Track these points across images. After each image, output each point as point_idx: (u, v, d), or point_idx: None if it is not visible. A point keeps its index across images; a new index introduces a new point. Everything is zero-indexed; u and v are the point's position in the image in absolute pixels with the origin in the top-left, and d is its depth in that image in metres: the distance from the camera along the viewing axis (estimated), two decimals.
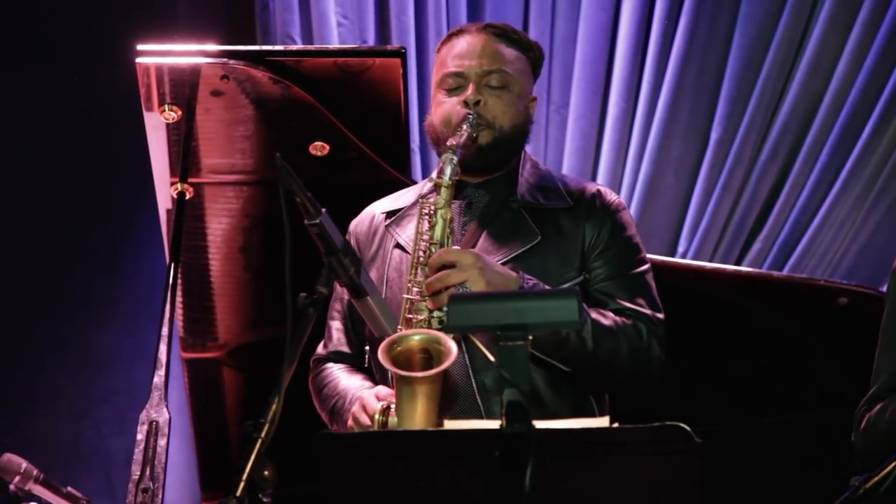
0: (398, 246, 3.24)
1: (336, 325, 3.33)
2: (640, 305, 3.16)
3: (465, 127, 3.15)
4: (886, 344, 3.00)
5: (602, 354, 3.06)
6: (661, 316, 3.19)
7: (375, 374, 3.22)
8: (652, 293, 3.21)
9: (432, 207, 3.12)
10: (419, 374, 2.87)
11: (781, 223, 5.29)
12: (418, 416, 2.87)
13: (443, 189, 3.10)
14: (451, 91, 3.24)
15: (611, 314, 3.12)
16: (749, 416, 4.12)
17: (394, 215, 3.31)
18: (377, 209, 3.37)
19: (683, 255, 5.28)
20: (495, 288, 2.99)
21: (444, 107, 3.23)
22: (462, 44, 3.28)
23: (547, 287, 3.09)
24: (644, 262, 3.25)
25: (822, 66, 5.24)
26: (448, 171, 3.09)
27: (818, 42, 5.22)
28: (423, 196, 3.19)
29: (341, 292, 3.32)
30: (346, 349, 3.31)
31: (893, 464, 2.38)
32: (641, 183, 5.32)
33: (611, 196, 3.29)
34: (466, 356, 3.08)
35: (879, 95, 5.18)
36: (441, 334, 2.92)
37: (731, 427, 4.07)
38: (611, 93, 5.36)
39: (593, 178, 5.35)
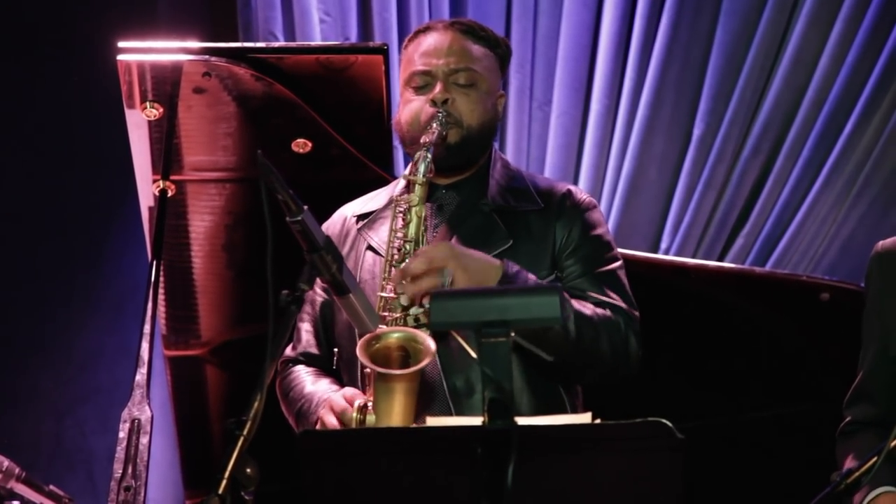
0: (370, 248, 3.24)
1: (305, 328, 3.33)
2: (615, 300, 3.16)
3: (435, 125, 3.15)
4: (866, 333, 3.02)
5: (584, 343, 3.05)
6: (636, 312, 3.19)
7: (343, 376, 3.22)
8: (626, 289, 3.21)
9: (406, 205, 3.12)
10: (398, 372, 2.88)
11: (764, 219, 5.30)
12: (395, 414, 2.88)
13: (417, 186, 3.11)
14: (419, 89, 3.24)
15: (590, 305, 3.12)
16: (732, 412, 4.12)
17: (366, 218, 3.31)
18: (348, 212, 3.36)
19: (666, 252, 5.29)
20: (474, 272, 3.00)
21: (413, 105, 3.23)
22: (429, 41, 3.27)
23: (531, 275, 3.09)
24: (616, 258, 3.25)
25: (803, 62, 5.25)
26: (422, 168, 3.10)
27: (800, 38, 5.23)
28: (395, 195, 3.19)
29: (312, 295, 3.32)
30: (314, 350, 3.31)
31: (873, 459, 2.39)
32: (624, 179, 5.33)
33: (581, 195, 3.29)
34: (438, 358, 3.07)
35: (861, 91, 5.20)
36: (419, 332, 2.93)
37: (715, 423, 4.08)
38: (593, 89, 5.36)
39: (576, 175, 5.36)
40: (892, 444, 2.37)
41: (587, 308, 3.09)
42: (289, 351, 3.34)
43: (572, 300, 3.09)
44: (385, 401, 2.88)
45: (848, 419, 3.02)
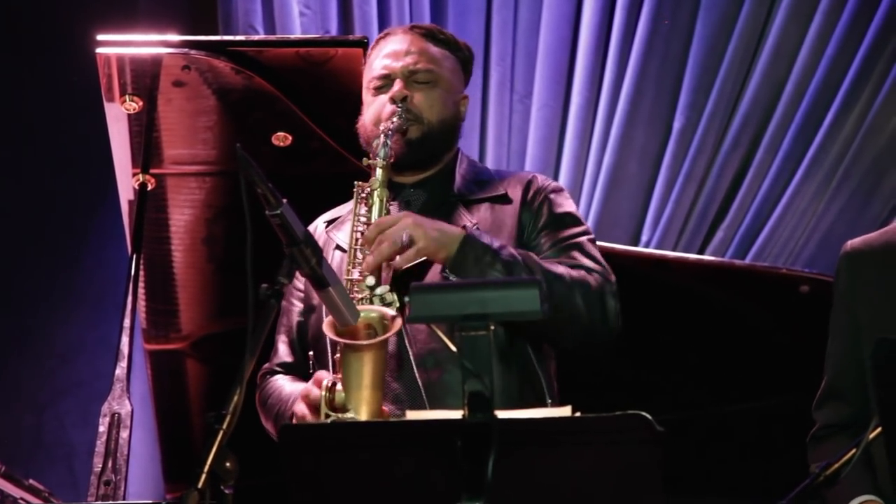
0: (338, 248, 3.26)
1: (281, 339, 3.35)
2: (588, 264, 3.16)
3: (395, 119, 3.18)
4: (835, 332, 3.03)
5: (556, 300, 3.03)
6: (611, 276, 3.18)
7: None
8: (598, 256, 3.20)
9: (367, 189, 3.14)
10: (364, 343, 2.90)
11: (744, 212, 5.31)
12: (364, 388, 2.90)
13: (378, 170, 3.14)
14: (379, 90, 3.27)
15: (561, 266, 3.12)
16: (711, 404, 4.14)
17: (334, 222, 3.34)
18: (319, 220, 3.40)
19: (647, 245, 5.30)
20: (435, 232, 3.03)
21: (374, 106, 3.27)
22: (389, 46, 3.32)
23: (494, 239, 3.10)
24: (587, 232, 3.25)
25: (783, 56, 5.26)
26: (382, 152, 3.14)
27: (779, 31, 5.25)
28: (357, 182, 3.21)
29: (287, 306, 3.34)
30: (289, 359, 3.32)
31: (852, 451, 2.40)
32: (605, 172, 5.34)
33: (545, 180, 3.32)
34: (406, 341, 3.10)
35: (840, 84, 5.21)
36: (385, 310, 2.96)
37: (694, 415, 4.09)
38: (574, 82, 5.37)
39: (557, 167, 5.37)
40: (871, 436, 2.38)
41: (559, 267, 3.10)
42: (266, 364, 3.36)
43: (543, 262, 3.10)
44: (354, 376, 2.90)
45: (819, 424, 3.01)
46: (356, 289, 3.06)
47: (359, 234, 3.12)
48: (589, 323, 3.10)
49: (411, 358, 3.11)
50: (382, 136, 3.15)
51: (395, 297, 3.03)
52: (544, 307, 2.07)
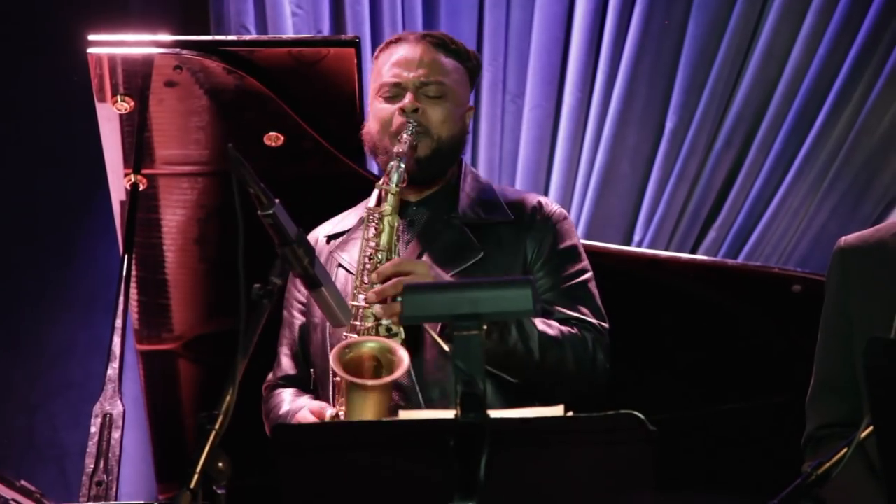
0: (342, 267, 3.26)
1: (284, 351, 3.37)
2: (585, 314, 3.19)
3: (405, 135, 3.16)
4: (827, 331, 3.00)
5: (548, 364, 3.09)
6: (605, 325, 3.21)
7: (320, 393, 3.24)
8: (596, 301, 3.24)
9: (378, 214, 3.13)
10: (371, 383, 2.89)
11: (736, 211, 5.32)
12: None
13: (390, 196, 3.13)
14: (389, 99, 3.25)
15: (556, 324, 3.14)
16: (704, 404, 4.14)
17: (337, 238, 3.34)
18: (320, 233, 3.39)
19: (639, 244, 5.30)
20: None
21: (382, 114, 3.25)
22: (400, 53, 3.29)
23: None
24: (586, 270, 3.27)
25: (775, 55, 5.27)
26: (395, 178, 3.12)
27: (771, 31, 5.25)
28: (368, 206, 3.19)
29: (289, 318, 3.34)
30: (293, 372, 3.34)
31: (844, 450, 2.40)
32: (597, 172, 5.34)
33: (551, 207, 3.32)
34: (413, 370, 3.09)
35: (832, 84, 5.22)
36: (393, 343, 2.95)
37: (687, 414, 4.10)
38: (566, 82, 5.36)
39: (549, 168, 5.37)
40: (863, 435, 2.38)
41: (552, 329, 3.12)
42: (270, 376, 3.37)
43: (539, 319, 3.11)
44: (357, 411, 2.89)
45: (816, 423, 2.97)
46: (361, 316, 3.06)
47: (367, 260, 3.12)
48: (576, 383, 3.16)
49: (417, 390, 3.11)
50: (395, 160, 3.14)
51: (402, 329, 3.03)
52: (537, 307, 2.07)
